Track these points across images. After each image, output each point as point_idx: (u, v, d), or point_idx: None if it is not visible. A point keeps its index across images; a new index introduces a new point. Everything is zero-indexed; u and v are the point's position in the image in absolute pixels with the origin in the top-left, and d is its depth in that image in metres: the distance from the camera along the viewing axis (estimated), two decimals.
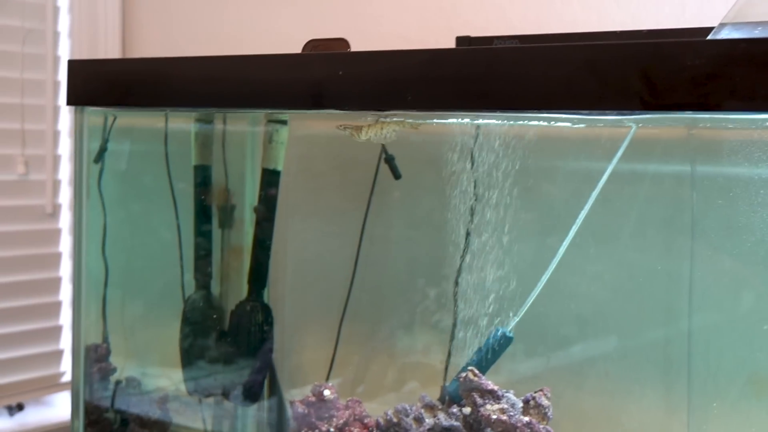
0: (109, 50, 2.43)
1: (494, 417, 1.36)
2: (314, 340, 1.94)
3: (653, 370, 1.57)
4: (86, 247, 1.72)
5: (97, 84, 1.59)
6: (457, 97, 1.21)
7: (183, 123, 1.87)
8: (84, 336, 1.69)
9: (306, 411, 1.59)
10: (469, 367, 1.43)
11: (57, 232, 2.41)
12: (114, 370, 1.83)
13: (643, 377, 1.58)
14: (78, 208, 1.71)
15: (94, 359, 1.78)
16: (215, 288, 1.89)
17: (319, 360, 1.90)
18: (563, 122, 1.39)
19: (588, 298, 1.63)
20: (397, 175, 1.63)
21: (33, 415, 2.46)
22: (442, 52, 1.24)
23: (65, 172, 2.42)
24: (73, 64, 1.60)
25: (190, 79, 1.49)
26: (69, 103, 1.64)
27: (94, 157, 1.80)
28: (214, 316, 1.82)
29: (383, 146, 1.63)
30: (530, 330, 1.58)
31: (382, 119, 1.45)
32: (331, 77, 1.32)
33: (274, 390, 1.89)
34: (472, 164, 1.59)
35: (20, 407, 2.45)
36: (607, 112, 1.15)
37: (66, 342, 2.46)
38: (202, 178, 1.83)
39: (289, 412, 1.90)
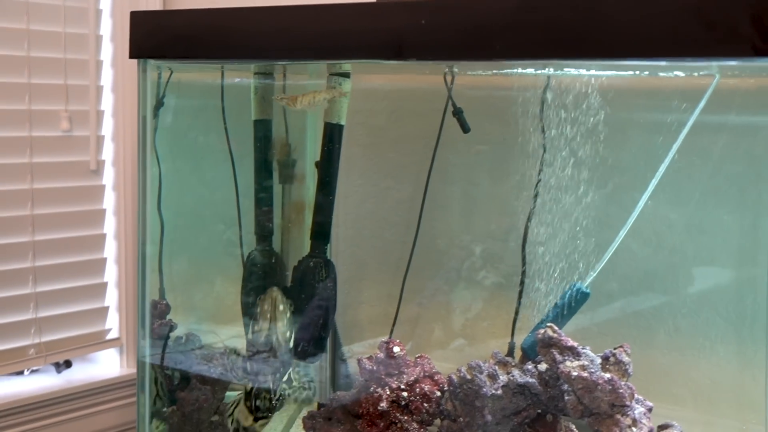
0: (150, 4, 2.39)
1: (574, 374, 1.35)
2: (374, 295, 1.93)
3: (726, 326, 1.56)
4: (151, 202, 1.70)
5: (161, 36, 1.56)
6: (549, 45, 1.18)
7: (241, 77, 1.84)
8: (149, 292, 1.68)
9: (374, 368, 1.59)
10: (548, 324, 1.42)
11: (101, 189, 2.40)
12: (174, 326, 1.82)
13: (715, 333, 1.57)
14: (141, 163, 1.69)
15: (153, 316, 1.77)
16: (276, 244, 1.87)
17: (380, 316, 1.89)
18: (660, 71, 1.36)
19: (659, 252, 1.61)
20: (465, 129, 1.60)
21: (80, 372, 2.46)
22: None
23: (108, 127, 2.39)
24: (136, 16, 1.57)
25: (260, 31, 1.46)
26: (132, 56, 1.61)
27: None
28: (277, 271, 1.81)
29: (451, 99, 1.60)
30: (600, 285, 1.57)
31: (315, 91, 1.51)
32: (413, 26, 1.29)
33: (336, 346, 1.89)
34: (544, 116, 1.57)
35: (68, 364, 2.45)
36: (712, 58, 1.12)
37: (111, 299, 2.45)
38: (263, 133, 1.80)
39: (348, 368, 1.90)
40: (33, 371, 2.41)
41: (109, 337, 2.46)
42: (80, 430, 2.42)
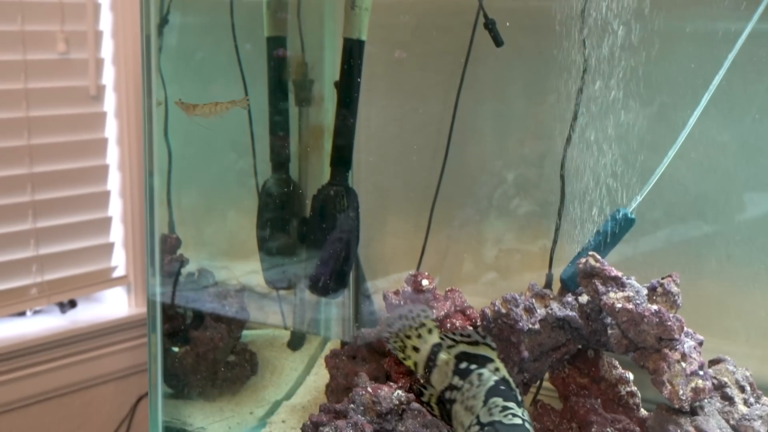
0: None
1: (619, 306, 1.35)
2: (400, 226, 1.93)
3: None
4: (157, 130, 1.69)
5: None
6: None
7: None
8: (158, 226, 1.68)
9: (401, 302, 1.59)
10: (590, 252, 1.41)
11: (102, 116, 2.39)
12: (185, 261, 1.82)
13: None
14: (146, 87, 1.67)
15: (163, 250, 1.77)
16: (294, 171, 1.87)
17: (406, 248, 1.89)
18: None
19: (710, 175, 1.60)
20: (498, 42, 1.57)
21: (85, 312, 2.49)
22: None
23: (108, 49, 2.38)
24: None
25: None
26: None
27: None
28: (294, 201, 1.81)
29: (482, 9, 1.58)
30: (645, 212, 1.55)
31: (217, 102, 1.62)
32: None
33: (359, 281, 1.89)
34: (584, 27, 1.54)
35: (72, 304, 2.48)
36: None
37: (116, 234, 2.46)
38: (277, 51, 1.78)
39: (373, 304, 1.91)
40: (36, 312, 2.44)
41: (115, 275, 2.48)
42: (87, 373, 2.45)
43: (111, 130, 2.42)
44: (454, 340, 1.27)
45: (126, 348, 2.52)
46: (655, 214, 1.63)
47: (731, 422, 1.35)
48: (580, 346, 1.48)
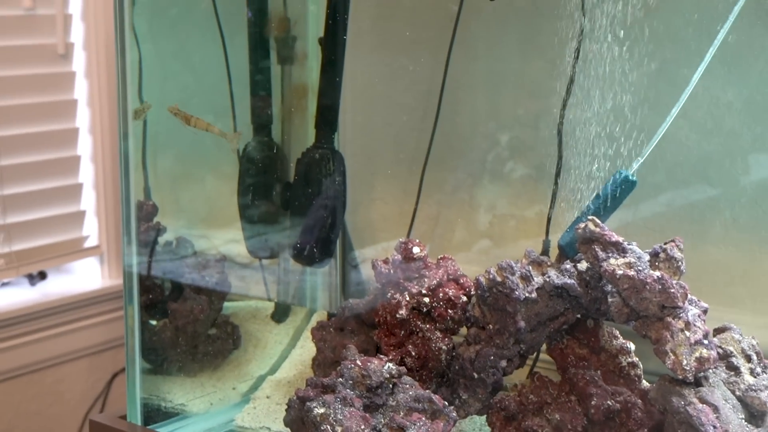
0: None
1: (619, 272, 1.36)
2: (389, 191, 1.93)
3: None
4: (131, 91, 1.69)
5: None
6: None
7: None
8: (134, 191, 1.68)
9: (391, 271, 1.60)
10: (589, 217, 1.42)
11: (70, 76, 2.38)
12: (162, 229, 1.83)
13: None
14: (119, 45, 1.66)
15: (139, 218, 1.77)
16: (276, 134, 1.87)
17: (395, 215, 1.90)
18: None
19: (715, 136, 1.61)
20: None
21: (56, 284, 2.49)
22: None
23: (77, 4, 2.36)
24: None
25: None
26: None
27: None
28: (277, 166, 1.81)
29: None
30: (646, 175, 1.56)
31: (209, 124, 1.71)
32: None
33: (346, 250, 1.90)
34: None
35: (42, 276, 2.48)
36: None
37: (88, 202, 2.46)
38: (257, 6, 1.78)
39: (361, 274, 1.92)
40: (3, 284, 2.44)
41: (87, 244, 2.49)
42: (58, 348, 2.46)
43: (81, 91, 2.41)
44: None
45: (99, 322, 2.53)
46: (657, 176, 1.64)
47: (737, 393, 1.37)
48: (579, 316, 1.49)
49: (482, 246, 1.82)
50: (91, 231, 2.48)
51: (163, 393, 1.80)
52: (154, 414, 1.73)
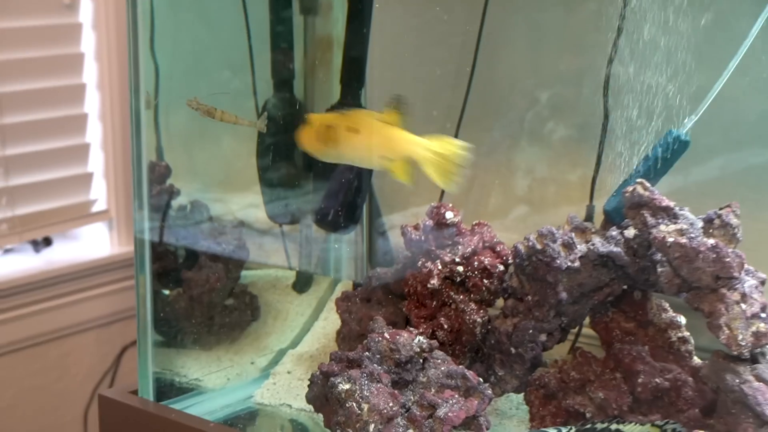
0: None
1: (670, 240, 1.35)
2: None
3: None
4: (143, 44, 1.68)
5: None
6: None
7: None
8: (145, 152, 1.68)
9: (422, 238, 1.59)
10: (638, 180, 1.40)
11: (77, 28, 2.38)
12: (176, 193, 1.82)
13: None
14: None
15: (151, 180, 1.77)
16: (298, 90, 1.86)
17: (426, 178, 1.89)
18: None
19: None
20: None
21: (62, 251, 2.51)
22: None
23: None
24: None
25: None
26: None
27: None
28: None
29: None
30: (699, 137, 1.54)
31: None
32: None
33: (373, 216, 1.90)
34: None
35: (47, 242, 2.49)
36: None
37: (95, 164, 2.47)
38: None
39: (389, 242, 1.92)
40: (6, 251, 2.46)
41: (95, 209, 2.49)
42: (65, 320, 2.48)
43: (88, 44, 2.41)
44: None
45: (108, 292, 2.54)
46: (711, 138, 1.63)
47: None
48: (625, 287, 1.48)
49: (520, 212, 1.82)
50: (99, 194, 2.48)
51: (177, 367, 1.81)
52: (167, 389, 1.74)
